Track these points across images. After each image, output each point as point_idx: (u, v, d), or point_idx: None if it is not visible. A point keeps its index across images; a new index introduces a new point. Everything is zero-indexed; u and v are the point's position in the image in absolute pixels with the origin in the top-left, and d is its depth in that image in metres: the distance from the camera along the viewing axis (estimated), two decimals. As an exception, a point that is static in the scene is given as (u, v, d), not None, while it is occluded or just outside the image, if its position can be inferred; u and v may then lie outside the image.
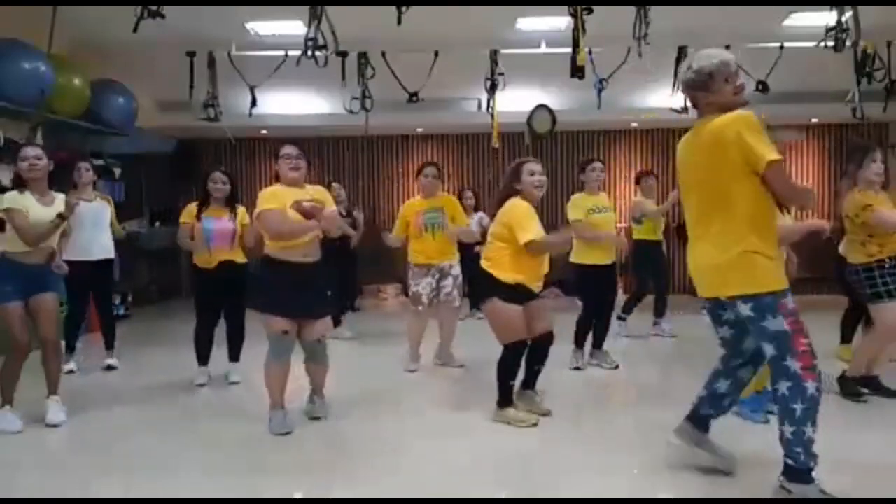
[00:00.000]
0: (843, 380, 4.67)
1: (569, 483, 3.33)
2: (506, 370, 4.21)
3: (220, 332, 5.41)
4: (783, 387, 2.94)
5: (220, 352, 5.42)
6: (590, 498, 3.16)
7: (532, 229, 4.09)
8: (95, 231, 5.75)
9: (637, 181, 7.28)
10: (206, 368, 5.38)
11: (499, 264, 4.18)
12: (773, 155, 2.93)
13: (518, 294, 4.17)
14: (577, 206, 5.50)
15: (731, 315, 3.19)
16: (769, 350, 2.98)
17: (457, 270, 5.57)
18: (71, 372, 5.65)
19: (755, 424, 4.02)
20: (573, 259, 5.54)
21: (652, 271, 6.92)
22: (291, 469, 3.61)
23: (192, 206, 5.28)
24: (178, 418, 4.54)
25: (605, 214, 5.58)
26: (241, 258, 5.30)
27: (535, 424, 4.14)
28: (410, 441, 4.00)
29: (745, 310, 3.01)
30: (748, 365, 3.31)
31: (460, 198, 6.97)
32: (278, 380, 4.18)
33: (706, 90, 3.09)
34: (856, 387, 4.61)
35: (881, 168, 4.47)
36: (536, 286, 4.28)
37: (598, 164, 5.63)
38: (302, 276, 4.10)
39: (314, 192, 4.24)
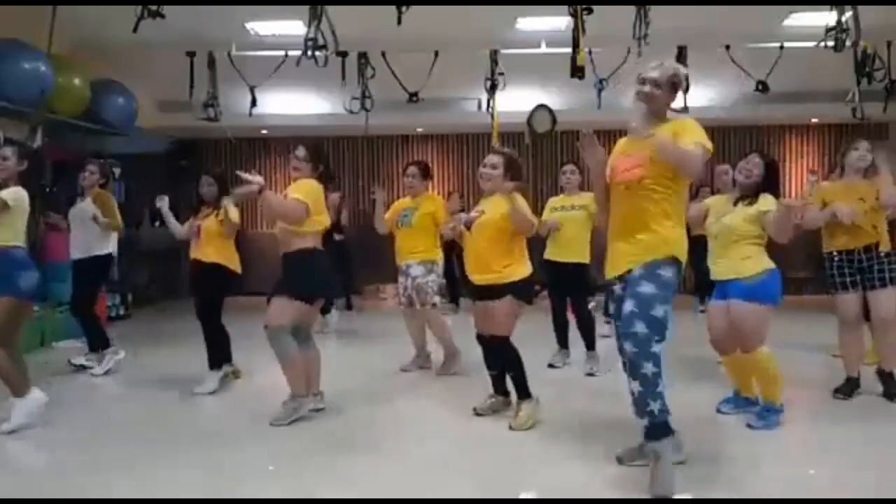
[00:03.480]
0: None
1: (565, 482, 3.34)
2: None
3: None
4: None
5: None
6: (588, 498, 3.17)
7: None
8: (76, 231, 5.74)
9: None
10: (225, 367, 5.29)
11: None
12: None
13: (471, 288, 4.34)
14: (547, 207, 5.74)
15: None
16: None
17: (415, 271, 5.37)
18: (82, 367, 5.65)
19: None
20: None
21: None
22: (287, 466, 3.61)
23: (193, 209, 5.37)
24: (178, 417, 4.54)
25: (570, 213, 5.55)
26: (210, 257, 5.11)
27: (475, 411, 4.37)
28: (391, 441, 4.00)
29: None
30: None
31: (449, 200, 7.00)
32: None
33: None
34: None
35: (863, 155, 4.53)
36: (477, 278, 4.24)
37: (568, 168, 5.72)
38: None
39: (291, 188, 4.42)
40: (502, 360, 4.25)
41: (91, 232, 5.68)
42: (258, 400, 4.74)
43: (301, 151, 4.42)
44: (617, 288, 3.30)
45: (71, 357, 5.80)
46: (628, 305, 3.09)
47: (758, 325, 3.92)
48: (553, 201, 5.77)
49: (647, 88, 3.19)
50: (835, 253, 4.57)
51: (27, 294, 4.24)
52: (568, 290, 5.62)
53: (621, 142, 3.42)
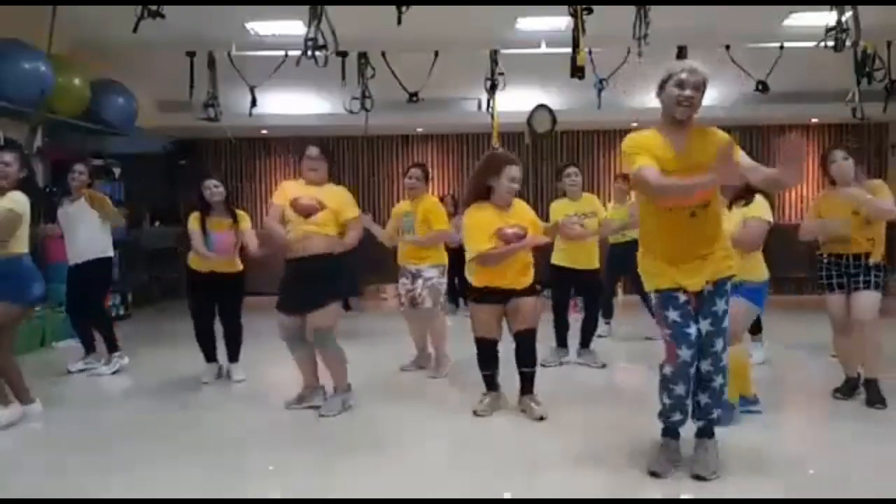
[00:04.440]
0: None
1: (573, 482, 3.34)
2: (479, 361, 4.46)
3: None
4: None
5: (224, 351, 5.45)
6: (588, 498, 3.17)
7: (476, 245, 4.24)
8: (70, 235, 5.67)
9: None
10: (212, 366, 5.39)
11: (469, 269, 4.40)
12: None
13: (487, 294, 4.32)
14: (554, 211, 5.66)
15: None
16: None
17: (429, 273, 5.36)
18: (81, 371, 5.62)
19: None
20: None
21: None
22: (287, 466, 3.61)
23: (198, 215, 5.22)
24: (178, 417, 4.54)
25: (584, 222, 5.53)
26: (235, 268, 5.31)
27: (475, 413, 4.34)
28: (391, 441, 3.99)
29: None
30: None
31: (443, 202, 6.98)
32: (299, 365, 4.57)
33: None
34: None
35: (840, 165, 4.40)
36: (508, 284, 4.28)
37: (571, 170, 5.70)
38: (299, 270, 4.31)
39: (322, 192, 4.38)
40: (531, 354, 4.34)
41: (89, 234, 5.60)
42: (258, 400, 4.75)
43: (314, 151, 4.36)
44: (680, 295, 3.30)
45: (69, 364, 5.71)
46: (721, 305, 3.30)
47: (745, 322, 4.22)
48: (560, 206, 5.66)
49: (689, 92, 3.12)
50: (825, 255, 4.57)
51: None
52: (580, 294, 5.79)
53: (660, 145, 3.19)
